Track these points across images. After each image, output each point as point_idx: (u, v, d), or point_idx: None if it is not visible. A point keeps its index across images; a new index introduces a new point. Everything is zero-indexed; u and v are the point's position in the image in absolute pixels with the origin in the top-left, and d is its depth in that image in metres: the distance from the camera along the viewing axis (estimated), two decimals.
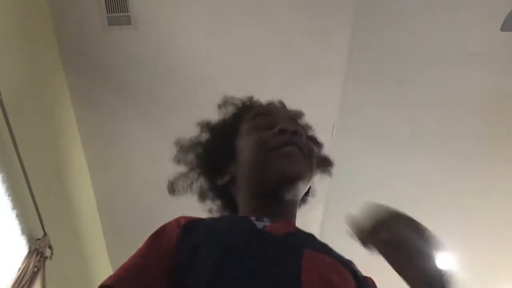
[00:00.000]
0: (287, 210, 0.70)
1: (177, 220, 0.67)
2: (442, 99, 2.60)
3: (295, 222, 0.73)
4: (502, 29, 2.06)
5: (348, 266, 0.64)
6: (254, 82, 2.28)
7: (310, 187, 0.81)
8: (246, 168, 0.72)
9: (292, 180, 0.67)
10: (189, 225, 0.65)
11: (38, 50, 2.02)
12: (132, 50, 2.27)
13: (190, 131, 0.90)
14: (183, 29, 2.24)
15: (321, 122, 2.52)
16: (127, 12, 2.11)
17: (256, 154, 0.69)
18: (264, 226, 0.63)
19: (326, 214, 2.96)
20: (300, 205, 0.78)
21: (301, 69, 2.41)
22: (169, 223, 0.67)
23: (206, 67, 2.36)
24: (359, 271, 0.66)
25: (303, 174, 0.68)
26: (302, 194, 0.74)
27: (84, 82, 2.36)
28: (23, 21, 1.86)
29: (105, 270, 2.87)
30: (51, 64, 2.18)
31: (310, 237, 0.68)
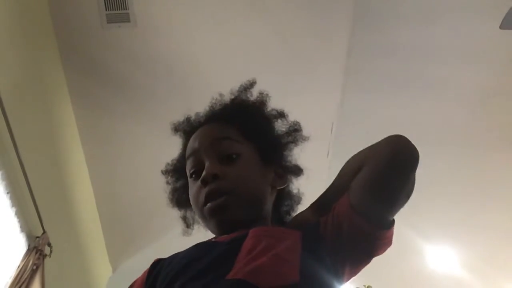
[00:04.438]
0: (245, 227, 0.72)
1: (151, 264, 0.77)
2: (441, 98, 2.60)
3: (264, 224, 0.75)
4: (501, 27, 2.06)
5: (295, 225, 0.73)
6: None
7: (289, 196, 0.83)
8: (197, 216, 0.81)
9: (231, 227, 0.71)
10: (157, 262, 0.75)
11: (37, 48, 2.02)
12: (131, 47, 2.27)
13: None
14: (181, 26, 2.24)
15: (321, 121, 2.54)
16: (126, 9, 2.11)
17: (197, 210, 0.77)
18: (216, 239, 0.72)
19: None
20: (281, 212, 0.82)
21: (301, 69, 2.41)
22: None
23: (205, 65, 2.36)
24: (316, 224, 0.70)
25: (238, 217, 0.72)
26: (259, 212, 0.75)
27: (83, 79, 2.35)
28: (22, 20, 1.85)
29: (104, 268, 2.87)
30: (50, 62, 2.18)
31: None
